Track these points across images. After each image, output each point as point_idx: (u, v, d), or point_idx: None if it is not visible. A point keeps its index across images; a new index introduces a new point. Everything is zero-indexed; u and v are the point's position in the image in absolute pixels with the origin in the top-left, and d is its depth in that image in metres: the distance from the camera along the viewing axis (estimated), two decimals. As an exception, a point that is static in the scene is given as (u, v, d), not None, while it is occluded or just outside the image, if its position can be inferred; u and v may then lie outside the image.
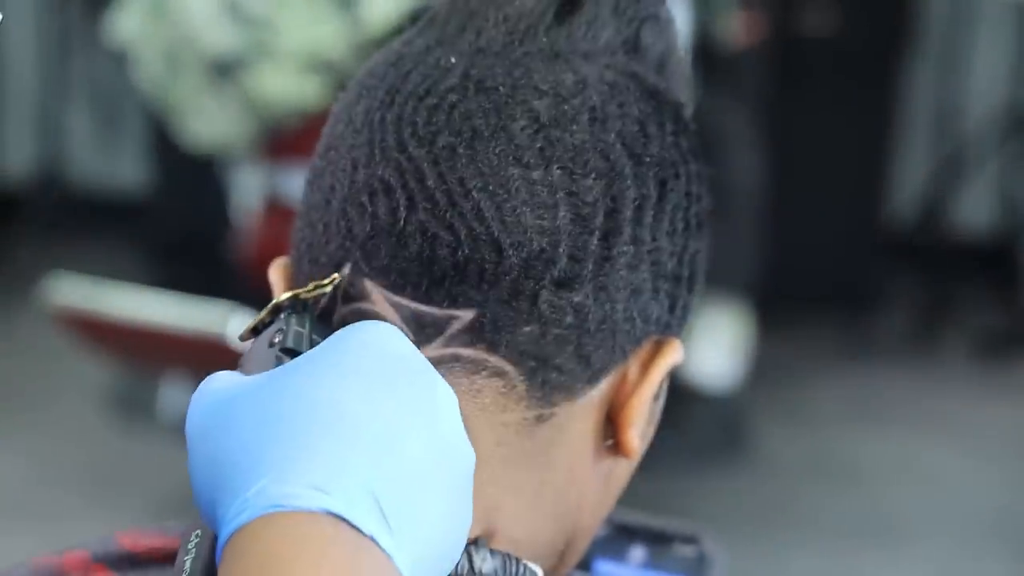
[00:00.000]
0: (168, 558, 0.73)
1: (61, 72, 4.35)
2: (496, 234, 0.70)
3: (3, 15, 4.37)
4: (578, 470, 0.75)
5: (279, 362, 0.66)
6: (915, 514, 3.15)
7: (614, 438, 0.75)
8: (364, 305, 0.71)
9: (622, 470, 0.78)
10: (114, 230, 4.34)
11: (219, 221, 3.23)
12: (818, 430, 3.50)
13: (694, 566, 0.91)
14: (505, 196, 0.70)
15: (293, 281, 0.75)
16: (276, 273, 0.77)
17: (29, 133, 4.46)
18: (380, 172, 0.71)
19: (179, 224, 3.90)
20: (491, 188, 0.70)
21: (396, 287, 0.71)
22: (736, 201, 3.42)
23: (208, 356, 2.80)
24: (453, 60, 0.73)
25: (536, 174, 0.70)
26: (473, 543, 0.70)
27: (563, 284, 0.71)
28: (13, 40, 4.44)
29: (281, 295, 0.71)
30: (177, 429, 3.16)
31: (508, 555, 0.71)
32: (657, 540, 0.92)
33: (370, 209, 0.71)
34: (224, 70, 2.68)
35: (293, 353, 0.67)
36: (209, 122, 2.76)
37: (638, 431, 0.75)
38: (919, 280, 4.18)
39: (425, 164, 0.70)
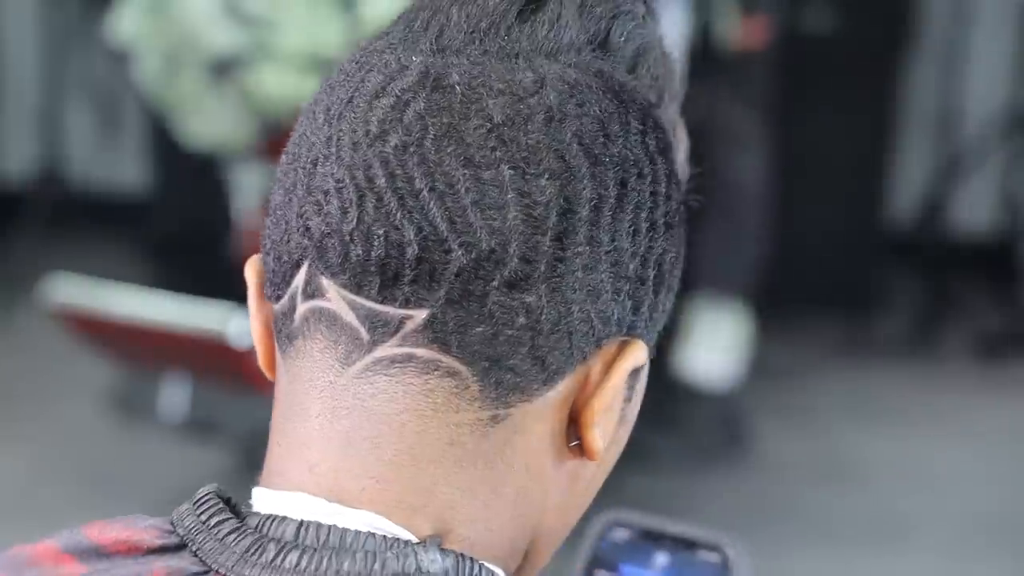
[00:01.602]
0: (133, 550, 0.73)
1: (61, 72, 4.35)
2: (444, 234, 0.69)
3: (3, 15, 4.38)
4: (537, 471, 0.74)
5: None
6: (915, 513, 3.15)
7: (578, 439, 0.74)
8: (322, 303, 0.72)
9: (589, 472, 0.77)
10: (114, 230, 4.34)
11: (219, 221, 3.23)
12: (818, 430, 3.50)
13: (718, 573, 0.91)
14: (454, 196, 0.69)
15: (261, 277, 0.76)
16: (251, 269, 0.77)
17: (29, 133, 4.46)
18: (334, 170, 0.71)
19: (179, 224, 3.90)
20: (439, 188, 0.70)
21: (351, 286, 0.71)
22: (739, 202, 3.42)
23: (208, 356, 2.80)
24: (414, 58, 0.73)
25: (487, 174, 0.70)
26: (422, 543, 0.70)
27: (514, 285, 0.70)
28: (13, 40, 4.44)
29: None
30: (177, 429, 3.16)
31: (462, 555, 0.70)
32: (681, 546, 0.92)
33: (325, 208, 0.71)
34: (224, 70, 2.68)
35: None
36: (209, 122, 2.76)
37: (601, 432, 0.74)
38: (919, 280, 4.18)
39: (376, 163, 0.70)
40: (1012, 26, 4.27)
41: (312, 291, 0.72)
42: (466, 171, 0.70)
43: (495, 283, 0.70)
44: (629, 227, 0.73)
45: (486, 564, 0.72)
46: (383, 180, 0.70)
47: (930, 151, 4.31)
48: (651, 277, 0.75)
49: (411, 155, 0.70)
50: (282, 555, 0.70)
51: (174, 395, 3.18)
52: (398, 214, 0.70)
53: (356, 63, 0.74)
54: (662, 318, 0.77)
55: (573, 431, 0.74)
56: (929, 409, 3.62)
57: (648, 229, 0.74)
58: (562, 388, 0.73)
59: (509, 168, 0.70)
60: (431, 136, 0.70)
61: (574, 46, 0.74)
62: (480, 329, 0.70)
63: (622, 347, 0.74)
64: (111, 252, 4.22)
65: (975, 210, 4.34)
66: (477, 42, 0.73)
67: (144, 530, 0.74)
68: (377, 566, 0.69)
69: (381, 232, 0.70)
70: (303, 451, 0.73)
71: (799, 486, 3.24)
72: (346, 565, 0.69)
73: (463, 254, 0.70)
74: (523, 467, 0.73)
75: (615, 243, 0.72)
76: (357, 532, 0.70)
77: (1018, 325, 4.02)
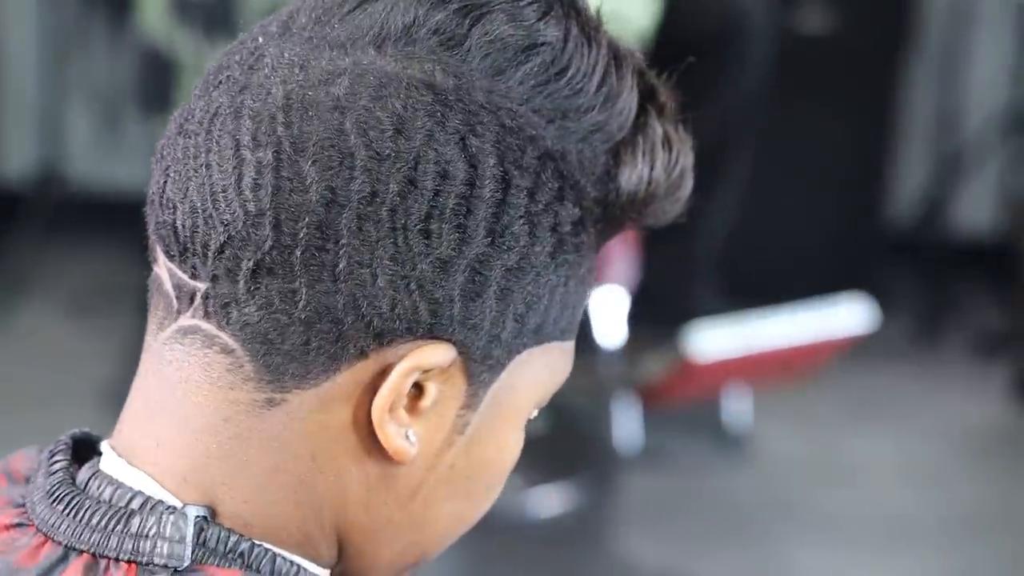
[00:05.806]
0: (15, 476, 0.81)
1: (61, 72, 4.35)
2: (209, 211, 0.71)
3: (3, 15, 4.38)
4: (326, 462, 0.73)
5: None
6: (915, 514, 3.15)
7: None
8: (155, 268, 0.75)
9: (413, 474, 0.75)
10: (114, 230, 4.34)
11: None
12: (818, 430, 3.49)
13: None
14: (222, 174, 0.71)
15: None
16: None
17: (29, 133, 4.46)
18: (164, 142, 0.75)
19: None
20: (212, 165, 0.72)
21: (167, 253, 0.74)
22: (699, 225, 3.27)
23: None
24: (259, 40, 0.74)
25: (252, 156, 0.71)
26: (171, 509, 0.72)
27: (271, 270, 0.71)
28: (13, 40, 4.44)
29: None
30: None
31: (229, 530, 0.73)
32: None
33: (154, 176, 0.75)
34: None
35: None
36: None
37: (406, 433, 0.73)
38: (920, 280, 4.18)
39: (176, 137, 0.74)
40: (1012, 26, 4.27)
41: (153, 256, 0.76)
42: (236, 151, 0.71)
43: (250, 265, 0.71)
44: (418, 226, 0.71)
45: (265, 544, 0.72)
46: (179, 153, 0.73)
47: (930, 151, 4.30)
48: (456, 282, 0.72)
49: (202, 131, 0.73)
50: (64, 501, 0.75)
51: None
52: (181, 187, 0.73)
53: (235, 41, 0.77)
54: (514, 328, 0.74)
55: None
56: (929, 409, 3.62)
57: (453, 231, 0.71)
58: (342, 380, 0.72)
59: (273, 152, 0.71)
60: (221, 115, 0.72)
61: (410, 38, 0.72)
62: (247, 310, 0.71)
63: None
64: (111, 252, 4.22)
65: (975, 210, 4.34)
66: (311, 28, 0.74)
67: (24, 459, 0.82)
68: (119, 524, 0.72)
69: (169, 204, 0.73)
70: (126, 409, 0.77)
71: (799, 486, 3.24)
72: (95, 518, 0.73)
73: (222, 232, 0.71)
74: (307, 455, 0.73)
75: (395, 240, 0.71)
76: (130, 489, 0.73)
77: (1018, 325, 4.01)
